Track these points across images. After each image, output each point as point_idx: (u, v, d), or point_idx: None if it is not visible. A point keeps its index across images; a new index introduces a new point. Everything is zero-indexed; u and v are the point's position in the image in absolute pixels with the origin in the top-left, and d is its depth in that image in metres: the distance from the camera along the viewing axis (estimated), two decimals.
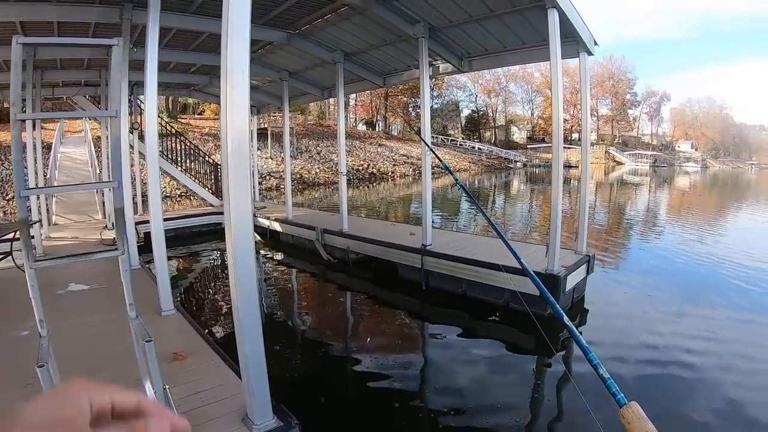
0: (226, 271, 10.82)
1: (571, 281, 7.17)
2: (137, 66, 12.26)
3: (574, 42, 7.36)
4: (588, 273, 7.87)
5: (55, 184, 17.44)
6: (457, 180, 4.69)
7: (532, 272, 3.59)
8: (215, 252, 12.61)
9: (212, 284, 9.97)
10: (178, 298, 8.50)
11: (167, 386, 3.06)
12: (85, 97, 14.14)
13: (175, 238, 13.15)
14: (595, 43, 7.65)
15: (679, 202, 28.51)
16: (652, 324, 7.09)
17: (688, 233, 15.50)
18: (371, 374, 5.69)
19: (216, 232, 14.42)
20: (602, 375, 2.44)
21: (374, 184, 37.84)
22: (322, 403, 4.94)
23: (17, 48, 2.38)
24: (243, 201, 2.98)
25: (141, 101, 16.44)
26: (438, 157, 5.28)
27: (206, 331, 5.84)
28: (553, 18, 6.45)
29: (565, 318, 3.07)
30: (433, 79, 68.80)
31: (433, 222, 9.29)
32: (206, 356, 4.39)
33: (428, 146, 7.23)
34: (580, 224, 8.04)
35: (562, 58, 6.87)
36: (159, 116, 16.33)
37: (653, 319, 7.30)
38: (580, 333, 6.10)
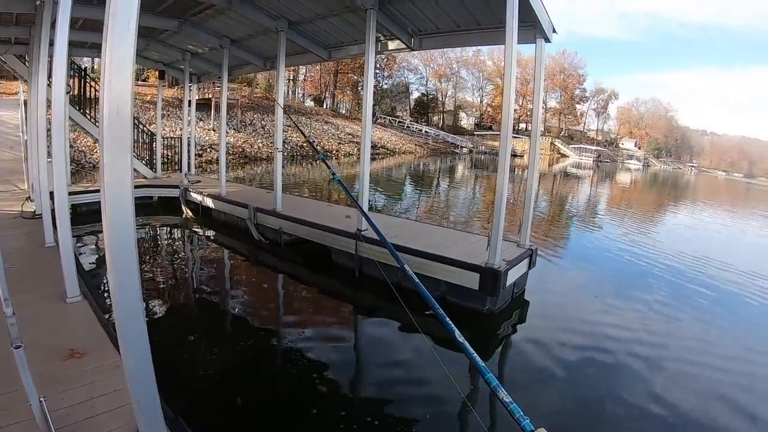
0: (152, 251, 10.25)
1: (512, 276, 6.81)
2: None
3: (531, 27, 6.97)
4: (530, 267, 7.58)
5: None
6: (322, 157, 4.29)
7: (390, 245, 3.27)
8: (143, 228, 11.91)
9: None
10: (101, 281, 7.85)
11: (43, 398, 2.54)
12: (16, 56, 13.00)
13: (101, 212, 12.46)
14: (554, 31, 7.27)
15: (620, 197, 28.97)
16: (591, 317, 7.16)
17: (627, 228, 15.68)
18: (293, 370, 5.28)
19: (148, 206, 13.85)
20: (503, 399, 2.33)
21: (318, 161, 37.18)
22: (239, 404, 4.46)
23: None
24: (123, 183, 2.45)
25: (74, 61, 15.44)
26: (300, 130, 4.84)
27: (113, 322, 5.33)
28: None
29: (456, 333, 2.75)
30: (384, 59, 68.77)
31: (375, 205, 8.84)
32: (106, 354, 3.83)
33: (290, 118, 6.79)
34: (525, 216, 7.69)
35: (519, 43, 6.38)
36: (92, 79, 15.52)
37: (593, 312, 7.39)
38: (515, 330, 5.77)
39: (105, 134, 2.39)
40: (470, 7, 7.49)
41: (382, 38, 9.46)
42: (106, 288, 7.43)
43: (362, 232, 7.98)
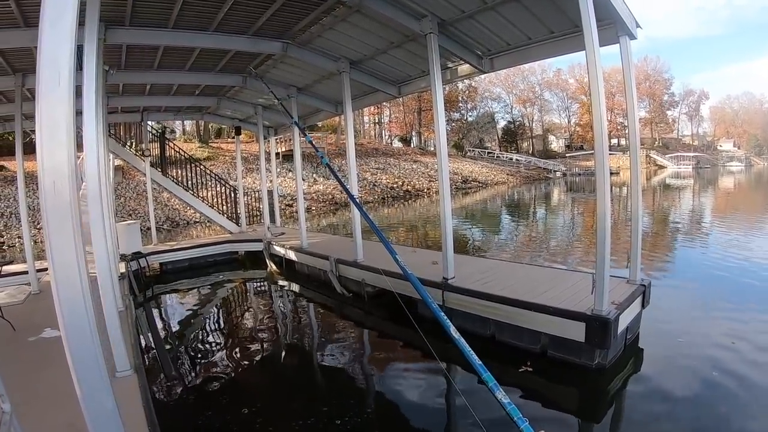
0: (233, 308, 10.11)
1: (624, 320, 5.68)
2: (137, 90, 11.50)
3: (611, 24, 6.02)
4: (643, 306, 6.37)
5: None
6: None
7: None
8: (228, 284, 11.79)
9: (205, 329, 8.67)
10: (170, 347, 7.40)
11: None
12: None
13: (190, 269, 13.04)
14: (638, 25, 6.30)
15: (726, 205, 26.67)
16: (725, 369, 5.49)
17: (746, 244, 13.60)
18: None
19: (231, 262, 14.00)
20: (501, 400, 2.26)
21: (409, 201, 36.70)
22: None
23: None
24: (70, 264, 2.03)
25: (152, 126, 15.70)
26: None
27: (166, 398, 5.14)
28: None
29: (452, 329, 2.79)
30: (465, 90, 68.04)
31: (471, 243, 7.97)
32: None
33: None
34: (633, 246, 6.52)
35: (601, 45, 5.43)
36: (169, 141, 15.74)
37: (726, 359, 5.74)
38: (630, 389, 4.78)
39: (46, 215, 1.93)
40: (539, 14, 6.68)
41: (450, 64, 8.82)
42: (178, 353, 7.09)
43: (449, 281, 7.18)
